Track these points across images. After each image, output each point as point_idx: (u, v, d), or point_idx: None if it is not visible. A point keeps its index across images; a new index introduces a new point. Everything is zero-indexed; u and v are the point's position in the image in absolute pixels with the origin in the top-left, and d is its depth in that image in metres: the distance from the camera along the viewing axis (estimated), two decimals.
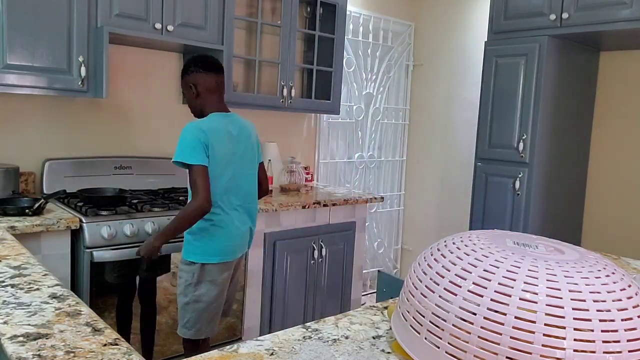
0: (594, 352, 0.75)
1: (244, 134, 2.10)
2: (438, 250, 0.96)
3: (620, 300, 0.80)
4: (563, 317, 0.76)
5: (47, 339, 0.95)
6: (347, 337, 1.05)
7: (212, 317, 2.07)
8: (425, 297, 0.89)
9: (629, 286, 0.84)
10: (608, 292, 0.80)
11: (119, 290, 2.27)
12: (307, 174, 3.60)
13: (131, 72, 2.84)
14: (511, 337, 0.77)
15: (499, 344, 0.78)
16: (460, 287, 0.84)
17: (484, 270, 0.84)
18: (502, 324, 0.78)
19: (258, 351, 0.97)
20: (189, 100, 2.11)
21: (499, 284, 0.81)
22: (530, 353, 0.76)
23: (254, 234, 2.22)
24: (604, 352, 0.75)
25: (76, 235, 2.15)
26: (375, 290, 3.06)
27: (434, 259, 0.93)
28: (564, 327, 0.76)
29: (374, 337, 1.06)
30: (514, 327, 0.77)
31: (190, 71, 2.05)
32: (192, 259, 2.02)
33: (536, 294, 0.78)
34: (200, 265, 2.01)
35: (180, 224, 1.95)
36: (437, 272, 0.90)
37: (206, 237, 2.01)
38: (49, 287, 1.23)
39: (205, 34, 2.70)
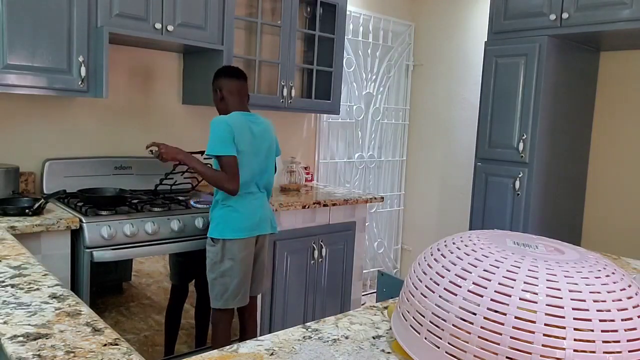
0: (594, 352, 0.75)
1: (266, 131, 2.37)
2: (438, 250, 0.96)
3: (620, 300, 0.80)
4: (563, 317, 0.76)
5: (47, 339, 0.95)
6: (347, 337, 1.05)
7: (238, 290, 2.31)
8: (425, 297, 0.89)
9: (629, 286, 0.84)
10: (608, 292, 0.80)
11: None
12: (307, 174, 3.59)
13: (131, 72, 2.84)
14: (511, 337, 0.77)
15: (499, 344, 0.78)
16: (460, 287, 0.84)
17: (484, 270, 0.84)
18: (502, 324, 0.78)
19: (258, 351, 0.97)
20: (215, 102, 2.41)
21: (499, 284, 0.81)
22: (530, 353, 0.76)
23: (274, 218, 2.47)
24: (604, 352, 0.75)
25: (76, 235, 2.15)
26: (375, 290, 3.06)
27: (434, 259, 0.93)
28: (564, 327, 0.76)
29: (374, 337, 1.06)
30: (514, 327, 0.77)
31: (217, 77, 2.38)
32: (214, 236, 2.28)
33: (536, 294, 0.78)
34: (222, 242, 2.26)
35: (206, 176, 2.25)
36: (437, 272, 0.90)
37: (227, 220, 2.28)
38: (49, 287, 1.23)
39: (205, 34, 2.70)
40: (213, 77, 2.41)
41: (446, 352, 0.83)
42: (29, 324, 1.01)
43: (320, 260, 3.01)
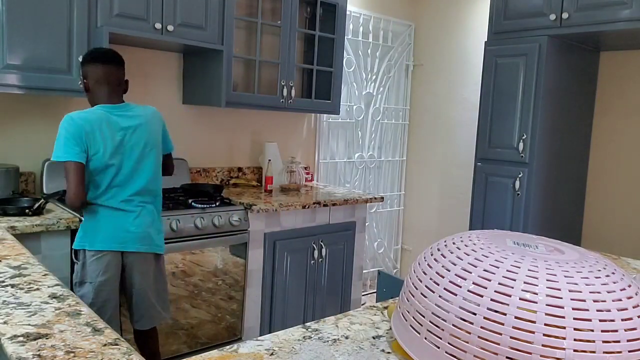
0: (594, 352, 0.75)
1: (141, 126, 1.99)
2: (438, 250, 0.96)
3: (620, 300, 0.80)
4: (563, 317, 0.76)
5: (47, 339, 0.95)
6: (347, 337, 1.05)
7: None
8: (425, 297, 0.89)
9: (629, 286, 0.84)
10: (608, 292, 0.80)
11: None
12: (307, 174, 3.60)
13: (131, 72, 2.83)
14: (511, 337, 0.77)
15: (499, 344, 0.78)
16: (460, 287, 0.84)
17: (484, 270, 0.84)
18: (502, 324, 0.78)
19: (258, 351, 0.97)
20: (86, 93, 2.03)
21: (499, 284, 0.81)
22: (530, 353, 0.76)
23: (160, 231, 2.10)
24: (604, 352, 0.75)
25: (76, 235, 2.15)
26: (375, 290, 3.06)
27: (434, 259, 0.93)
28: (564, 327, 0.76)
29: (374, 337, 1.06)
30: (514, 327, 0.77)
31: (81, 63, 2.00)
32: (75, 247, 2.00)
33: (536, 294, 0.78)
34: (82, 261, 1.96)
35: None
36: (437, 272, 0.90)
37: (86, 232, 1.97)
38: (49, 287, 1.23)
39: (205, 34, 2.70)
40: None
41: (446, 352, 0.83)
42: (29, 324, 1.01)
43: (320, 260, 3.01)
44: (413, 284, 0.94)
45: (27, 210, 2.09)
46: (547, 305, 0.77)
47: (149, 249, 2.02)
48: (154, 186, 2.05)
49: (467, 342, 0.81)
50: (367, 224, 3.68)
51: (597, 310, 0.77)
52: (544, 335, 0.76)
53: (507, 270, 0.83)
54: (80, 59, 1.98)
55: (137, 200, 1.98)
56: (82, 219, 1.99)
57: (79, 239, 1.96)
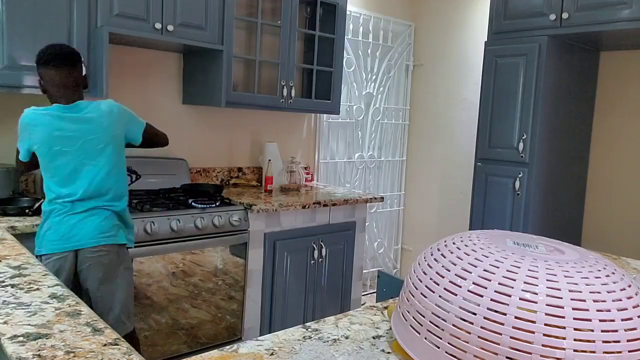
0: (594, 352, 0.75)
1: (91, 122, 1.91)
2: (438, 250, 0.96)
3: (620, 300, 0.80)
4: (563, 317, 0.76)
5: (47, 339, 0.95)
6: (347, 337, 1.05)
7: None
8: (425, 297, 0.89)
9: (629, 286, 0.84)
10: (608, 292, 0.80)
11: None
12: (307, 174, 3.60)
13: (131, 72, 2.84)
14: (511, 337, 0.77)
15: (499, 344, 0.78)
16: (460, 287, 0.84)
17: (484, 270, 0.84)
18: (502, 324, 0.78)
19: (258, 351, 0.97)
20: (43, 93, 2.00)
21: (499, 284, 0.81)
22: (530, 353, 0.76)
23: (117, 228, 1.97)
24: (604, 352, 0.75)
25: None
26: (375, 290, 3.06)
27: (434, 259, 0.93)
28: (564, 327, 0.76)
29: (374, 337, 1.06)
30: (514, 327, 0.77)
31: (35, 64, 1.93)
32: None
33: (536, 294, 0.78)
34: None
35: None
36: (437, 272, 0.90)
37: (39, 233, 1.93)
38: (49, 287, 1.23)
39: (205, 34, 2.70)
40: None
41: (446, 352, 0.83)
42: (29, 324, 1.01)
43: (320, 260, 3.01)
44: (413, 284, 0.94)
45: (27, 210, 2.09)
46: (547, 305, 0.77)
47: (99, 242, 1.90)
48: (107, 184, 1.94)
49: (467, 342, 0.81)
50: (367, 224, 3.68)
51: (597, 310, 0.77)
52: (544, 335, 0.76)
53: (507, 270, 0.83)
54: (35, 58, 1.92)
55: (85, 201, 1.90)
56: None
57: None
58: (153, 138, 2.17)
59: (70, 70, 1.91)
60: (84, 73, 1.98)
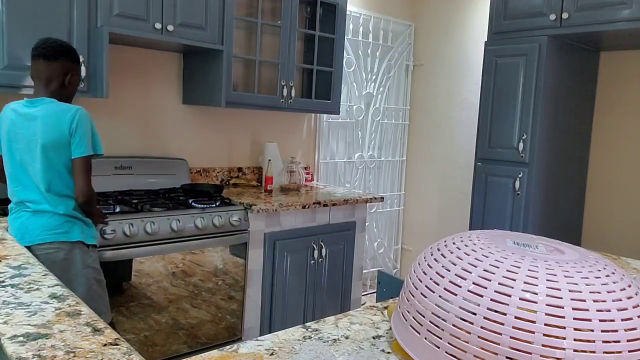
0: (594, 352, 0.75)
1: (35, 117, 1.84)
2: (438, 250, 0.96)
3: (620, 300, 0.80)
4: (563, 317, 0.76)
5: (47, 339, 0.95)
6: (347, 337, 1.05)
7: None
8: (425, 297, 0.89)
9: (629, 286, 0.84)
10: (608, 292, 0.80)
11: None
12: (307, 174, 3.60)
13: (131, 72, 2.84)
14: (511, 337, 0.77)
15: (499, 344, 0.78)
16: (460, 287, 0.84)
17: (484, 270, 0.84)
18: (502, 324, 0.78)
19: (258, 351, 0.97)
20: None
21: (499, 284, 0.81)
22: (530, 353, 0.76)
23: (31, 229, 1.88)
24: (604, 352, 0.75)
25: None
26: (375, 290, 3.06)
27: (434, 259, 0.93)
28: (564, 327, 0.76)
29: (374, 337, 1.06)
30: (514, 327, 0.77)
31: None
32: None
33: (536, 294, 0.78)
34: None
35: None
36: (437, 272, 0.90)
37: None
38: (49, 287, 1.23)
39: (205, 34, 2.70)
40: None
41: (446, 352, 0.83)
42: (29, 324, 1.01)
43: (320, 260, 3.01)
44: (413, 284, 0.94)
45: None
46: (547, 305, 0.77)
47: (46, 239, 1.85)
48: (47, 187, 1.85)
49: (467, 342, 0.81)
50: (367, 224, 3.68)
51: (597, 310, 0.77)
52: (544, 335, 0.76)
53: (507, 270, 0.83)
54: None
55: (32, 203, 1.87)
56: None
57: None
58: (76, 174, 1.87)
59: (47, 63, 1.86)
60: (69, 72, 1.91)
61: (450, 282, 0.86)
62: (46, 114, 1.84)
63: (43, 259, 1.77)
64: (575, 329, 0.75)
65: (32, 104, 1.87)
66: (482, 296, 0.81)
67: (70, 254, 1.88)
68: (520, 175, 2.89)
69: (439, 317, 0.85)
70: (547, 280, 0.80)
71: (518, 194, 2.91)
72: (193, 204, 2.54)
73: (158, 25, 2.52)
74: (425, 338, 0.87)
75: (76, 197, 1.88)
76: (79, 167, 1.86)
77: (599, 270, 0.85)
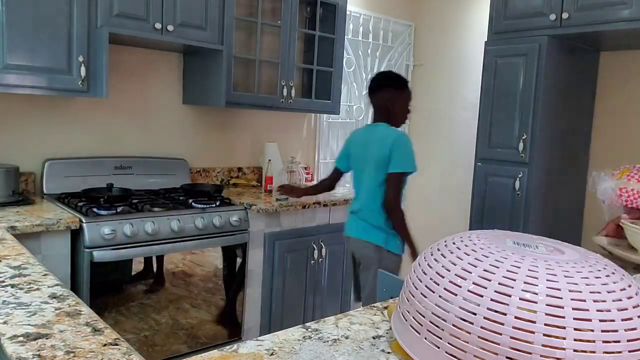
0: (594, 352, 0.75)
1: (371, 141, 2.37)
2: (438, 250, 0.96)
3: (620, 300, 0.80)
4: (563, 317, 0.76)
5: (47, 339, 0.95)
6: (347, 337, 1.05)
7: None
8: (425, 297, 0.89)
9: (629, 286, 0.84)
10: (608, 292, 0.80)
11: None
12: (307, 174, 3.59)
13: (131, 72, 2.84)
14: (511, 337, 0.77)
15: (499, 344, 0.78)
16: (460, 287, 0.84)
17: (484, 270, 0.84)
18: (502, 324, 0.78)
19: (258, 351, 0.97)
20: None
21: (499, 284, 0.81)
22: (530, 353, 0.76)
23: (362, 227, 2.43)
24: (604, 352, 0.75)
25: (76, 235, 2.15)
26: None
27: (434, 259, 0.93)
28: (564, 327, 0.75)
29: (374, 337, 1.06)
30: (514, 327, 0.77)
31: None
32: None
33: (536, 294, 0.78)
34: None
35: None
36: (437, 272, 0.90)
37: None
38: (49, 287, 1.23)
39: (205, 34, 2.70)
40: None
41: (446, 352, 0.83)
42: (29, 324, 1.01)
43: (320, 260, 3.00)
44: (413, 284, 0.94)
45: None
46: (547, 305, 0.77)
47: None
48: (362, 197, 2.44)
49: (467, 342, 0.81)
50: None
51: (597, 310, 0.77)
52: (544, 335, 0.75)
53: (507, 270, 0.83)
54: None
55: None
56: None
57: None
58: (388, 184, 2.35)
59: (373, 95, 2.45)
60: (389, 99, 2.40)
61: (450, 282, 0.86)
62: (379, 139, 2.35)
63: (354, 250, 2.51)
64: (575, 329, 0.75)
65: (369, 128, 2.45)
66: (482, 296, 0.81)
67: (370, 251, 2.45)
68: (520, 175, 2.89)
69: (439, 317, 0.85)
70: (547, 280, 0.80)
71: (518, 194, 2.91)
72: (193, 204, 2.54)
73: (158, 25, 2.52)
74: (425, 338, 0.87)
75: (386, 205, 2.40)
76: (389, 179, 2.34)
77: (599, 270, 0.85)
